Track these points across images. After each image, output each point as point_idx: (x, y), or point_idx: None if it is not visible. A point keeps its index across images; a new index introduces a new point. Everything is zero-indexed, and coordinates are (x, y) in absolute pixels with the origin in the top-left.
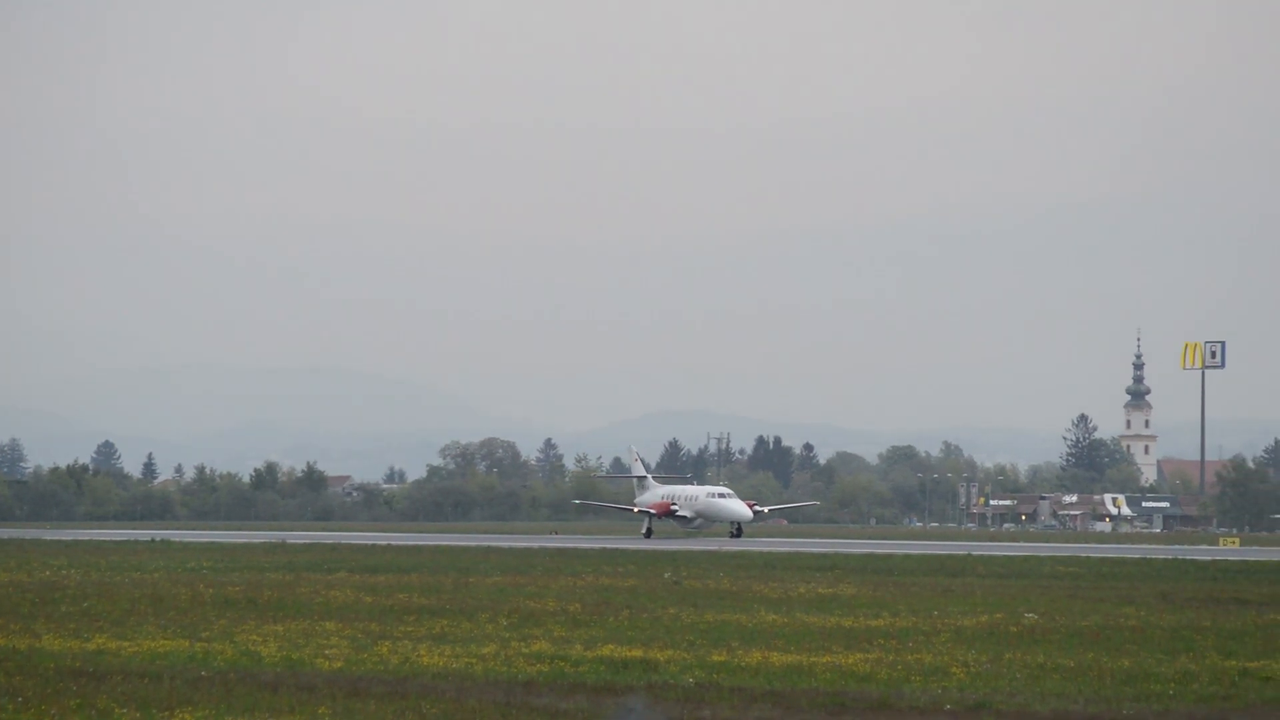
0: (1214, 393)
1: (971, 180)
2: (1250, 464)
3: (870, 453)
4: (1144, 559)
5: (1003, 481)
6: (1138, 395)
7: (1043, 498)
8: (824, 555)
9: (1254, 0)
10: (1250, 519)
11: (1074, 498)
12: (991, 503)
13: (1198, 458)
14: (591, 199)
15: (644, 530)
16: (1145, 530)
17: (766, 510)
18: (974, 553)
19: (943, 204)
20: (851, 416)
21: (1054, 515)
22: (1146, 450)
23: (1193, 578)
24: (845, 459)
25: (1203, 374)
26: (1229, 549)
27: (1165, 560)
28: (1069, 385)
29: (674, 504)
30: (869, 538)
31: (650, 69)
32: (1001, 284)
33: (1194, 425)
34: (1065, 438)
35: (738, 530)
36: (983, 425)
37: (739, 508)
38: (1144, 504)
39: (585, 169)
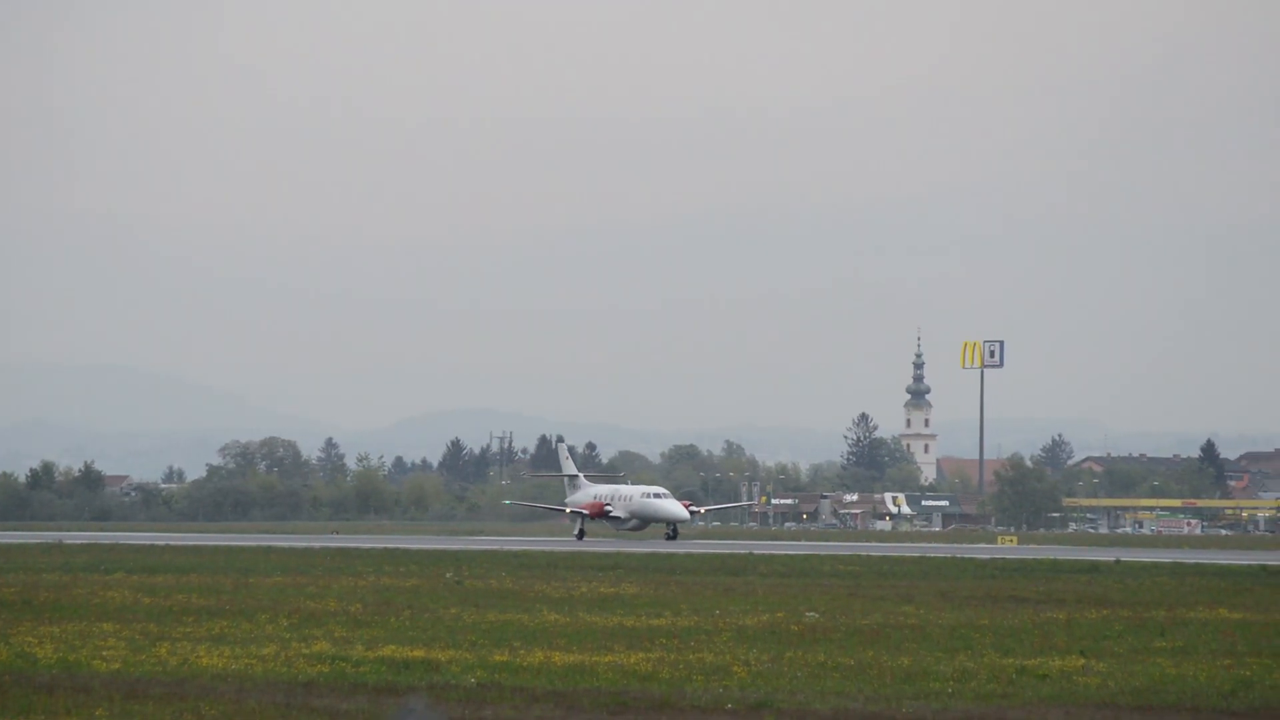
0: (993, 392)
1: (754, 177)
2: (1028, 462)
3: (653, 452)
4: (923, 557)
5: (784, 480)
6: (918, 394)
7: (824, 496)
8: (606, 554)
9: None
10: (1028, 517)
11: (855, 496)
12: (773, 501)
13: (976, 456)
14: (380, 190)
15: (576, 532)
16: (925, 529)
17: (703, 510)
18: (755, 551)
19: (726, 200)
20: (634, 416)
21: (835, 514)
22: (926, 449)
23: (971, 576)
24: (628, 458)
25: (981, 373)
26: (1007, 547)
27: (944, 559)
28: (851, 384)
29: (608, 504)
30: (652, 537)
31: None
32: (784, 282)
33: (973, 424)
34: (846, 437)
35: (673, 532)
36: (765, 424)
37: (675, 508)
38: (924, 502)
39: (385, 159)
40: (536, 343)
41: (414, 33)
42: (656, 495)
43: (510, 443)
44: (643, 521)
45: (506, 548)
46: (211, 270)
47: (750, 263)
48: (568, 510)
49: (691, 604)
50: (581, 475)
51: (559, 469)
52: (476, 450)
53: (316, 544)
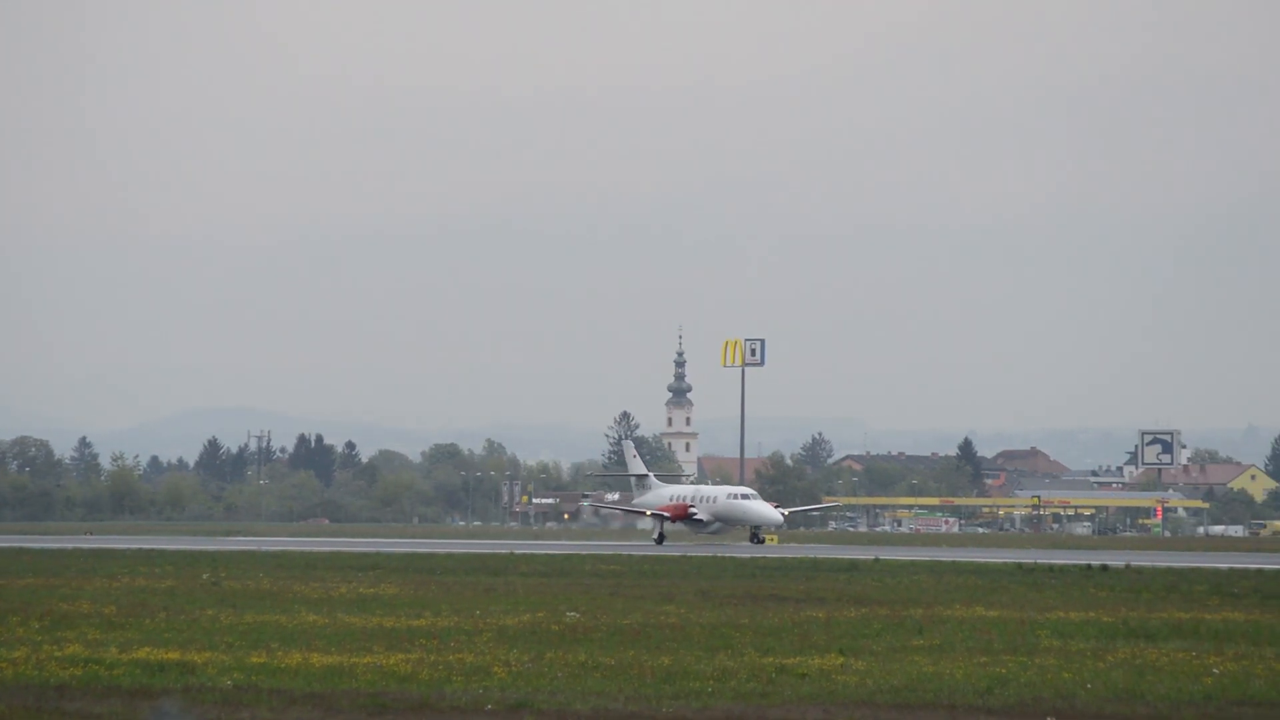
0: (753, 390)
1: (515, 177)
2: (788, 461)
3: (414, 451)
4: (684, 556)
5: (546, 480)
6: (679, 393)
7: (585, 495)
8: (366, 554)
9: None
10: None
11: (616, 495)
12: (534, 501)
13: (737, 455)
14: (120, 189)
15: (655, 535)
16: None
17: (786, 514)
18: (516, 551)
19: (491, 197)
20: (395, 415)
21: (596, 513)
22: (688, 448)
23: (732, 575)
24: (388, 457)
25: (743, 371)
26: (767, 545)
27: (705, 557)
28: (613, 382)
29: (692, 506)
30: (413, 536)
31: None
32: (545, 280)
33: (734, 422)
34: (608, 435)
35: (757, 536)
36: (527, 423)
37: (766, 511)
38: None
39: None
40: (296, 342)
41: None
42: (744, 496)
43: (268, 442)
44: (726, 524)
45: (265, 548)
46: None
47: (511, 260)
48: (647, 513)
49: (452, 604)
50: (652, 475)
51: (311, 467)
52: (234, 450)
53: (70, 545)
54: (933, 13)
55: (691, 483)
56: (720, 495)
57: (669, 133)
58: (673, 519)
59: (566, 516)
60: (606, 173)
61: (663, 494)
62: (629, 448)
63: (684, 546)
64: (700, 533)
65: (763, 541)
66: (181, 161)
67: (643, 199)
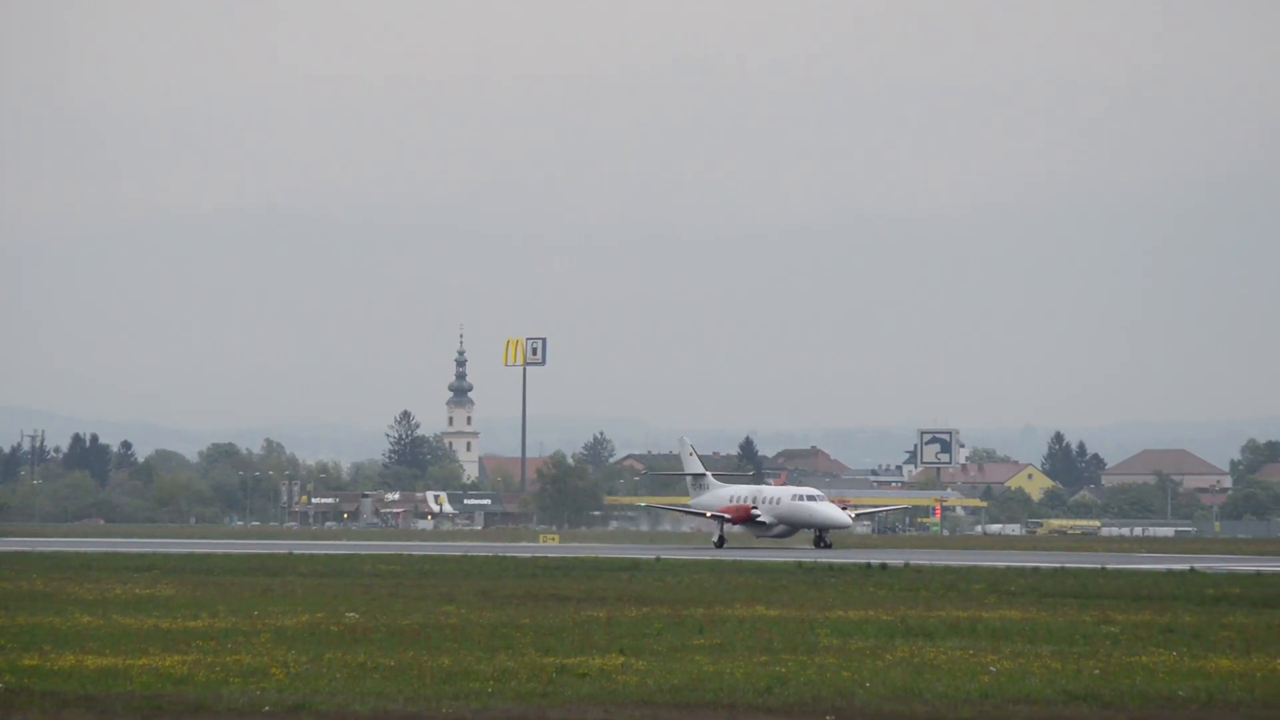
0: (535, 390)
1: (291, 168)
2: (570, 460)
3: (191, 451)
4: (465, 556)
5: (325, 479)
6: (460, 392)
7: (365, 495)
8: (142, 555)
9: None
10: (569, 515)
11: (397, 495)
12: (314, 500)
13: (519, 454)
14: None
15: (715, 539)
16: (467, 527)
17: (854, 515)
18: (295, 551)
19: (261, 195)
20: (172, 414)
21: (376, 513)
22: (469, 447)
23: (513, 575)
24: (165, 457)
25: (524, 370)
26: (549, 545)
27: (486, 557)
28: (395, 382)
29: (755, 508)
30: (190, 537)
31: None
32: (324, 279)
33: (515, 422)
34: (388, 435)
35: (824, 540)
36: (306, 422)
37: (834, 513)
38: (466, 501)
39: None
40: (70, 340)
41: None
42: (810, 497)
43: (42, 442)
44: (791, 527)
45: (38, 549)
46: None
47: (289, 256)
48: (707, 515)
49: (229, 605)
50: (709, 475)
51: (86, 467)
52: (6, 450)
53: None
54: None
55: (472, 483)
56: (784, 496)
57: (450, 126)
58: (734, 521)
59: (346, 516)
60: (386, 166)
61: (721, 495)
62: (685, 445)
63: (740, 550)
64: (763, 536)
65: (829, 545)
66: None
67: (422, 194)
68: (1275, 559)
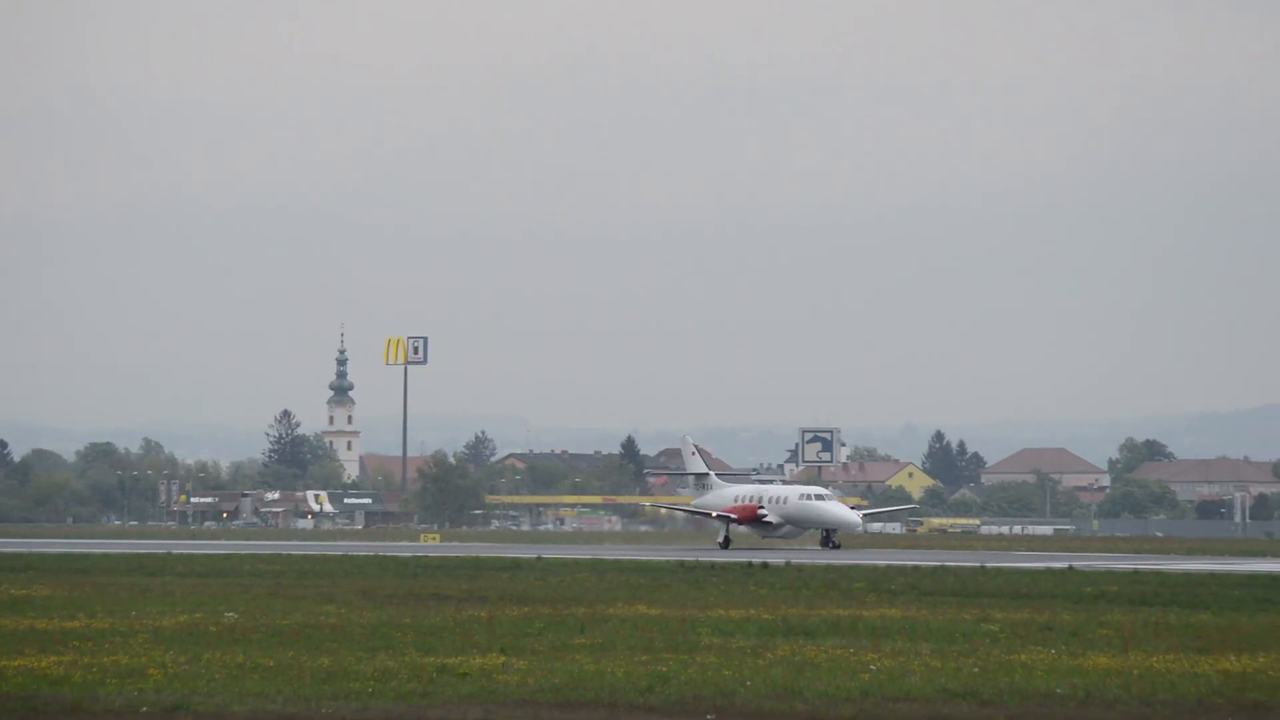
0: (417, 388)
1: (178, 166)
2: (451, 459)
3: (68, 450)
4: (346, 556)
5: (204, 479)
6: (341, 391)
7: (245, 495)
8: (18, 555)
9: None
10: (451, 514)
11: (277, 494)
12: (193, 500)
13: (400, 453)
14: None
15: (720, 539)
16: (348, 527)
17: (864, 516)
18: (174, 551)
19: (140, 190)
20: (49, 413)
21: (256, 512)
22: (350, 446)
23: (393, 574)
24: (41, 456)
25: (405, 369)
26: (430, 544)
27: (367, 557)
28: (275, 381)
29: (761, 508)
30: (67, 537)
31: None
32: (200, 274)
33: (397, 421)
34: (268, 434)
35: (832, 540)
36: (185, 422)
37: (843, 512)
38: (346, 500)
39: None
40: None
41: None
42: (818, 497)
43: None
44: (798, 527)
45: None
46: None
47: (168, 252)
48: (712, 515)
49: (107, 605)
50: (713, 474)
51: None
52: None
53: None
54: None
55: (353, 482)
56: (791, 495)
57: (332, 123)
58: (740, 521)
59: (225, 515)
60: (268, 163)
61: (726, 494)
62: (688, 444)
63: (742, 550)
64: (769, 536)
65: (838, 546)
66: None
67: (306, 191)
68: (1152, 557)
